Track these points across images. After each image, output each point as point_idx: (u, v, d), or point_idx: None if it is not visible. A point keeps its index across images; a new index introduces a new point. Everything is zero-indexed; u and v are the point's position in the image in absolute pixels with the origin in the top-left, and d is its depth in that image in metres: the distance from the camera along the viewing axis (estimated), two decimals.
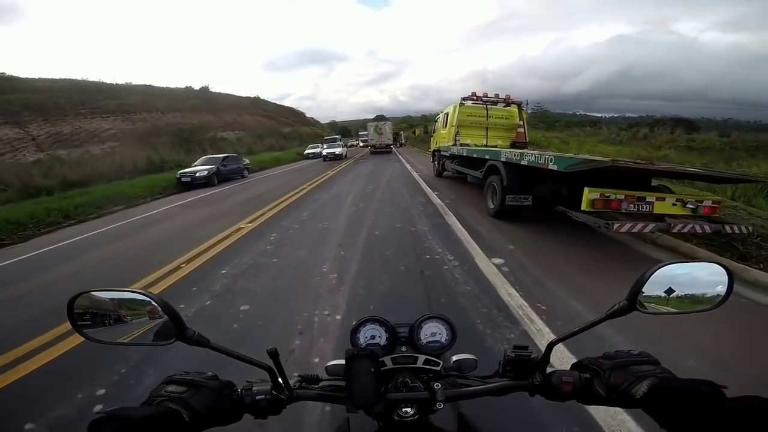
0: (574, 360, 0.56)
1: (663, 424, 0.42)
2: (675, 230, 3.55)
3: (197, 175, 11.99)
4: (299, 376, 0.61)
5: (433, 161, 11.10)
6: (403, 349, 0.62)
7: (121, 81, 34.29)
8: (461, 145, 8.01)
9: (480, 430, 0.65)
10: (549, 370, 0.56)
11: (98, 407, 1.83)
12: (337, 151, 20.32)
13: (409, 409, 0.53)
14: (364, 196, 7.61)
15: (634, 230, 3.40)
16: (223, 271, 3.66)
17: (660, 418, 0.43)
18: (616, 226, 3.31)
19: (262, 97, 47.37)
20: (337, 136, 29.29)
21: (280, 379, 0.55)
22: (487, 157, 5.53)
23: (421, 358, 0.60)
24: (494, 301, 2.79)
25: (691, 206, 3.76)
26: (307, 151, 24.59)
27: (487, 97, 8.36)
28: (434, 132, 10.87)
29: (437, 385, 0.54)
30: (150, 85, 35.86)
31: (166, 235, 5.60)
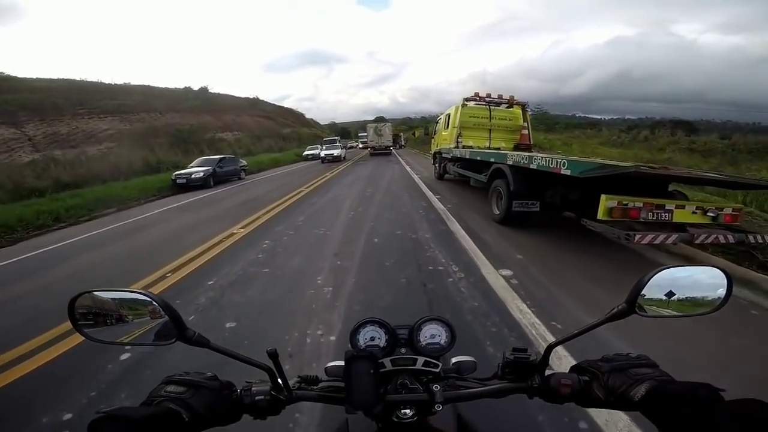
0: (573, 363, 0.56)
1: (661, 427, 0.42)
2: (698, 241, 3.31)
3: (193, 176, 11.74)
4: (299, 377, 0.60)
5: (433, 163, 10.83)
6: (403, 350, 0.62)
7: (119, 81, 34.04)
8: (464, 147, 7.75)
9: (479, 431, 0.66)
10: (548, 372, 0.56)
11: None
12: (336, 152, 20.00)
13: (408, 411, 0.53)
14: (363, 199, 7.35)
15: (656, 242, 3.15)
16: (210, 282, 3.40)
17: (658, 420, 0.43)
18: (637, 237, 3.06)
19: (261, 98, 47.13)
20: (336, 138, 29.07)
21: (279, 380, 0.55)
22: (492, 160, 5.27)
23: (421, 359, 0.60)
24: (505, 320, 2.54)
25: (711, 214, 3.53)
26: (306, 153, 24.34)
27: (490, 97, 8.11)
28: (435, 133, 10.60)
29: (436, 387, 0.54)
30: (149, 86, 35.61)
31: (155, 241, 5.34)
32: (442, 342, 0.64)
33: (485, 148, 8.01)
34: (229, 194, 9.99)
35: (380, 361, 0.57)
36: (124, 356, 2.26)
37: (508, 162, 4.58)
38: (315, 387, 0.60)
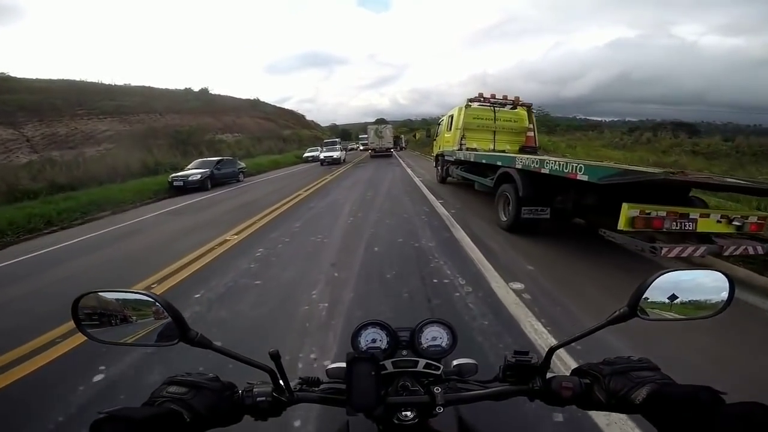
0: (575, 365, 0.56)
1: (662, 430, 0.43)
2: (727, 253, 3.06)
3: (190, 179, 11.49)
4: (300, 378, 0.60)
5: (435, 166, 10.56)
6: (404, 353, 0.62)
7: (119, 82, 33.89)
8: (467, 149, 7.49)
9: None
10: (549, 375, 0.55)
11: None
12: (336, 155, 19.59)
13: (409, 413, 0.53)
14: (363, 204, 7.09)
15: (683, 255, 2.89)
16: (197, 295, 3.15)
17: (659, 423, 0.43)
18: (664, 251, 2.80)
19: (262, 100, 46.95)
20: (336, 140, 28.83)
21: (281, 381, 0.54)
22: (498, 163, 5.01)
23: (422, 362, 0.59)
24: (519, 341, 2.29)
25: (737, 223, 3.27)
26: (306, 155, 24.07)
27: (494, 98, 7.85)
28: (437, 135, 10.32)
29: (437, 389, 0.54)
30: (149, 87, 35.43)
31: (144, 248, 5.08)
32: (444, 344, 0.64)
33: (489, 150, 7.76)
34: (225, 197, 9.73)
35: (381, 363, 0.57)
36: (98, 377, 2.05)
37: (517, 166, 4.32)
38: (316, 389, 0.59)
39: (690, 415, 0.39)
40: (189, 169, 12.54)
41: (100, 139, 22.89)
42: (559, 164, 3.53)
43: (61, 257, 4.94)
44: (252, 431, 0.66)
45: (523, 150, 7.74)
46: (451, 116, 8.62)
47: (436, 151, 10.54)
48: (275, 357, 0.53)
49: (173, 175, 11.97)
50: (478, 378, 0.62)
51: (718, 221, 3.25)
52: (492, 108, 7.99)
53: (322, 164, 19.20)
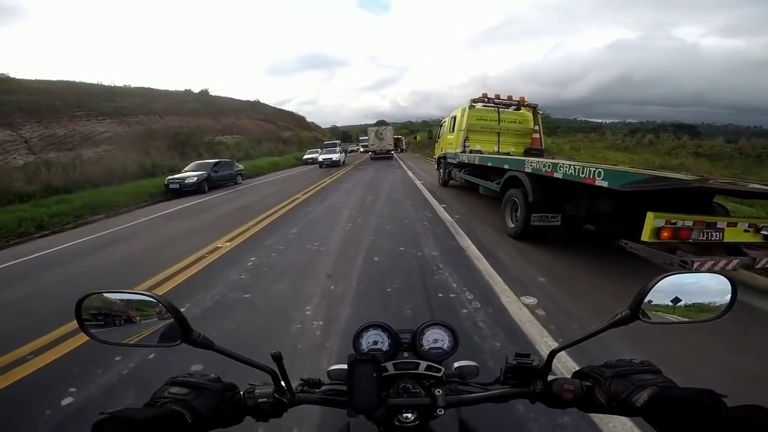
0: (576, 368, 0.57)
1: None
2: (759, 265, 2.80)
3: (186, 181, 11.24)
4: (301, 379, 0.60)
5: (437, 169, 10.28)
6: (405, 355, 0.62)
7: (119, 83, 33.69)
8: (471, 151, 7.22)
9: None
10: (550, 377, 0.55)
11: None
12: (335, 157, 19.28)
13: (409, 415, 0.53)
14: (363, 209, 6.81)
15: (715, 269, 2.62)
16: (182, 310, 2.83)
17: (660, 426, 0.43)
18: (696, 264, 2.53)
19: (261, 101, 46.71)
20: (336, 141, 28.58)
21: (282, 383, 0.54)
22: (506, 166, 4.74)
23: (423, 364, 0.59)
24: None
25: (765, 232, 3.00)
26: (305, 157, 23.79)
27: (499, 99, 7.59)
28: (439, 137, 10.05)
29: (438, 391, 0.54)
30: (149, 88, 35.23)
31: (132, 256, 4.82)
32: (445, 347, 0.63)
33: (494, 152, 7.50)
34: (222, 201, 9.47)
35: (383, 365, 0.57)
36: (66, 400, 1.84)
37: (527, 169, 4.04)
38: (317, 390, 0.59)
39: (691, 418, 0.39)
40: (186, 171, 12.30)
41: (99, 140, 22.67)
42: (574, 168, 3.27)
43: (43, 265, 4.69)
44: None
45: (528, 152, 7.49)
46: (454, 117, 8.36)
47: (438, 153, 10.26)
48: (277, 358, 0.53)
49: (169, 177, 11.74)
50: (479, 380, 0.61)
51: (746, 230, 2.99)
52: (496, 109, 7.73)
53: (320, 167, 18.87)
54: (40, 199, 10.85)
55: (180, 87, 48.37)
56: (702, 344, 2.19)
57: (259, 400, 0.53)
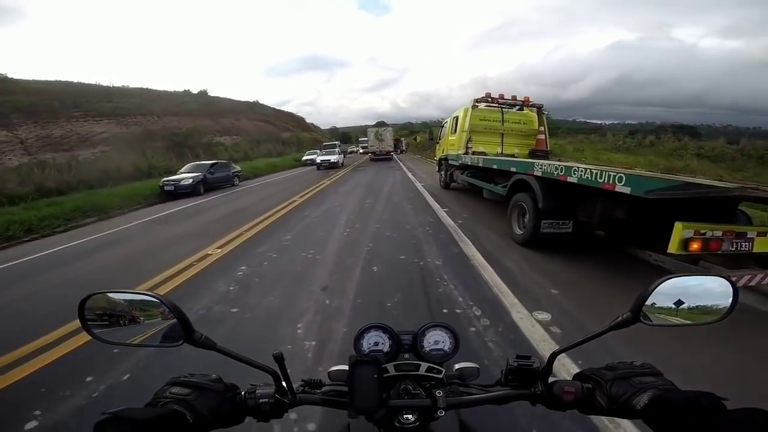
0: (577, 370, 0.57)
1: None
2: None
3: (181, 183, 10.99)
4: (303, 380, 0.60)
5: (439, 171, 10.00)
6: (406, 356, 0.62)
7: (118, 84, 33.45)
8: (474, 153, 6.97)
9: None
10: (551, 379, 0.55)
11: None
12: (333, 158, 18.81)
13: (410, 416, 0.53)
14: (361, 213, 6.54)
15: (751, 283, 2.38)
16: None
17: (660, 429, 0.43)
18: (733, 279, 2.27)
19: (261, 102, 46.49)
20: (335, 142, 28.35)
21: (283, 383, 0.54)
22: (513, 169, 4.47)
23: (424, 365, 0.59)
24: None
25: None
26: (304, 158, 23.51)
27: (503, 99, 7.33)
28: (441, 138, 9.79)
29: (439, 393, 0.54)
30: (147, 89, 35.00)
31: (117, 263, 4.55)
32: (446, 348, 0.62)
33: (497, 154, 7.25)
34: (217, 203, 9.22)
35: (384, 366, 0.57)
36: (31, 425, 1.70)
37: (536, 173, 3.79)
38: (318, 391, 0.59)
39: (691, 420, 0.39)
40: (181, 173, 12.03)
41: (96, 141, 22.45)
42: (591, 172, 3.01)
43: (23, 273, 4.43)
44: None
45: (533, 154, 7.23)
46: (456, 118, 8.11)
47: (439, 154, 9.99)
48: (279, 359, 0.53)
49: (164, 179, 11.50)
50: (480, 382, 0.61)
51: None
52: (500, 109, 7.48)
53: (318, 168, 18.50)
54: (32, 201, 10.62)
55: (179, 87, 48.07)
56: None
57: (260, 400, 0.53)
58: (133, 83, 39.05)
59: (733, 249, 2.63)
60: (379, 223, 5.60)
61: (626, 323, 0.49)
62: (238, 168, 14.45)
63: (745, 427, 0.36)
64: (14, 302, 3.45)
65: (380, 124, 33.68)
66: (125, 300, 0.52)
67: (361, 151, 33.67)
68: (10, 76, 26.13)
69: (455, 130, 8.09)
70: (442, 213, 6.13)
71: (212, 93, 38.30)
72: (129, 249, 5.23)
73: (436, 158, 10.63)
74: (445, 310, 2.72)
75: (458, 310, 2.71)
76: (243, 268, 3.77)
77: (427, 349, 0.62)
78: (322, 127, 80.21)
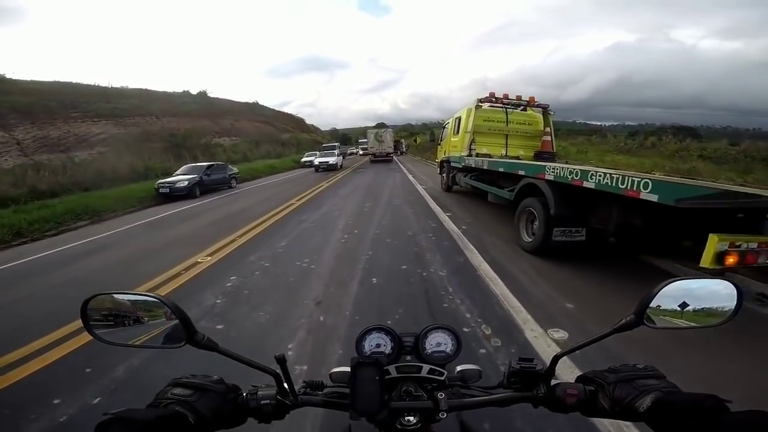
0: (579, 373, 0.55)
1: None
2: None
3: (176, 185, 10.73)
4: (304, 382, 0.60)
5: (440, 173, 9.74)
6: (408, 358, 0.61)
7: (117, 84, 33.24)
8: (478, 155, 6.71)
9: None
10: (553, 382, 0.55)
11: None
12: (331, 160, 18.41)
13: (411, 418, 0.53)
14: (360, 217, 6.28)
15: None
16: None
17: (663, 431, 0.43)
18: None
19: (260, 103, 46.26)
20: (335, 144, 28.08)
21: (285, 385, 0.54)
22: (521, 172, 4.22)
23: (426, 367, 0.59)
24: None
25: None
26: (304, 159, 23.22)
27: (507, 99, 7.08)
28: (443, 139, 9.53)
29: (441, 395, 0.54)
30: (146, 89, 34.79)
31: (100, 272, 4.29)
32: (448, 350, 0.62)
33: (501, 156, 6.99)
34: (211, 206, 8.96)
35: (385, 368, 0.57)
36: None
37: (548, 177, 3.53)
38: (320, 392, 0.58)
39: (694, 423, 0.39)
40: (177, 174, 11.79)
41: (93, 142, 22.26)
42: (611, 177, 2.75)
43: (4, 281, 4.19)
44: None
45: (538, 156, 6.97)
46: (459, 118, 7.85)
47: (440, 156, 9.72)
48: (281, 361, 0.53)
49: (159, 181, 11.27)
50: (482, 384, 0.61)
51: None
52: (504, 109, 7.23)
53: (316, 170, 18.15)
54: (25, 203, 10.39)
55: (178, 88, 47.86)
56: None
57: (262, 401, 0.52)
58: (132, 84, 38.74)
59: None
60: (379, 228, 5.34)
61: (629, 326, 0.49)
62: (235, 170, 14.20)
63: (748, 430, 0.36)
64: None
65: (380, 126, 33.52)
66: (129, 300, 0.53)
67: (360, 152, 33.45)
68: (8, 76, 25.85)
69: (458, 131, 7.83)
70: (444, 218, 5.87)
71: (212, 94, 38.08)
72: (115, 256, 4.98)
73: (438, 160, 10.37)
74: None
75: (466, 329, 2.46)
76: (233, 278, 3.51)
77: (429, 351, 0.61)
78: (323, 129, 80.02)
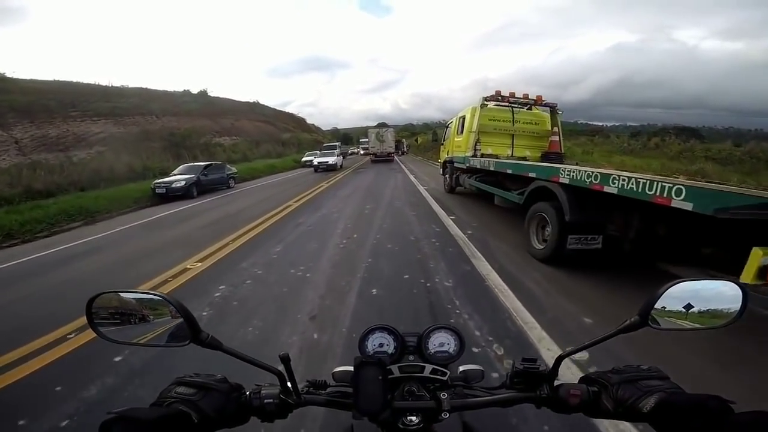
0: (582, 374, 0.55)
1: None
2: None
3: (173, 185, 10.51)
4: (307, 381, 0.60)
5: (443, 174, 9.48)
6: (411, 358, 0.61)
7: (117, 84, 33.11)
8: (484, 156, 6.44)
9: None
10: (557, 383, 0.54)
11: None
12: (331, 160, 18.12)
13: (414, 418, 0.53)
14: (360, 220, 6.03)
15: None
16: (118, 358, 2.22)
17: None
18: None
19: (261, 102, 46.08)
20: (336, 144, 27.87)
21: (288, 384, 0.54)
22: (531, 174, 3.96)
23: (428, 367, 0.59)
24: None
25: None
26: (304, 159, 22.98)
27: (514, 97, 6.82)
28: (446, 139, 9.26)
29: (443, 395, 0.54)
30: (146, 89, 34.65)
31: (83, 278, 4.04)
32: (451, 350, 0.62)
33: (507, 157, 6.74)
34: (208, 207, 8.72)
35: (388, 367, 0.56)
36: None
37: (562, 180, 3.27)
38: (323, 392, 0.58)
39: (698, 424, 0.39)
40: (174, 174, 11.57)
41: (93, 141, 22.08)
42: (636, 182, 2.49)
43: None
44: None
45: (546, 157, 6.71)
46: (463, 118, 7.59)
47: (443, 156, 9.45)
48: (285, 360, 0.53)
49: (156, 181, 11.06)
50: (485, 384, 0.61)
51: None
52: (510, 108, 6.97)
53: (316, 171, 17.87)
54: (19, 203, 10.20)
55: (178, 87, 47.71)
56: None
57: (265, 400, 0.52)
58: (132, 83, 38.66)
59: None
60: (380, 233, 5.07)
61: (634, 327, 0.49)
62: (233, 170, 13.97)
63: (753, 431, 0.36)
64: None
65: (381, 125, 33.26)
66: (134, 299, 0.52)
67: (361, 152, 33.22)
68: (7, 75, 25.73)
69: (461, 131, 7.57)
70: (448, 221, 5.60)
71: (212, 93, 37.93)
72: (104, 260, 4.74)
73: (440, 160, 10.11)
74: None
75: (476, 349, 2.21)
76: (222, 287, 3.26)
77: (432, 351, 0.61)
78: (324, 128, 79.83)
